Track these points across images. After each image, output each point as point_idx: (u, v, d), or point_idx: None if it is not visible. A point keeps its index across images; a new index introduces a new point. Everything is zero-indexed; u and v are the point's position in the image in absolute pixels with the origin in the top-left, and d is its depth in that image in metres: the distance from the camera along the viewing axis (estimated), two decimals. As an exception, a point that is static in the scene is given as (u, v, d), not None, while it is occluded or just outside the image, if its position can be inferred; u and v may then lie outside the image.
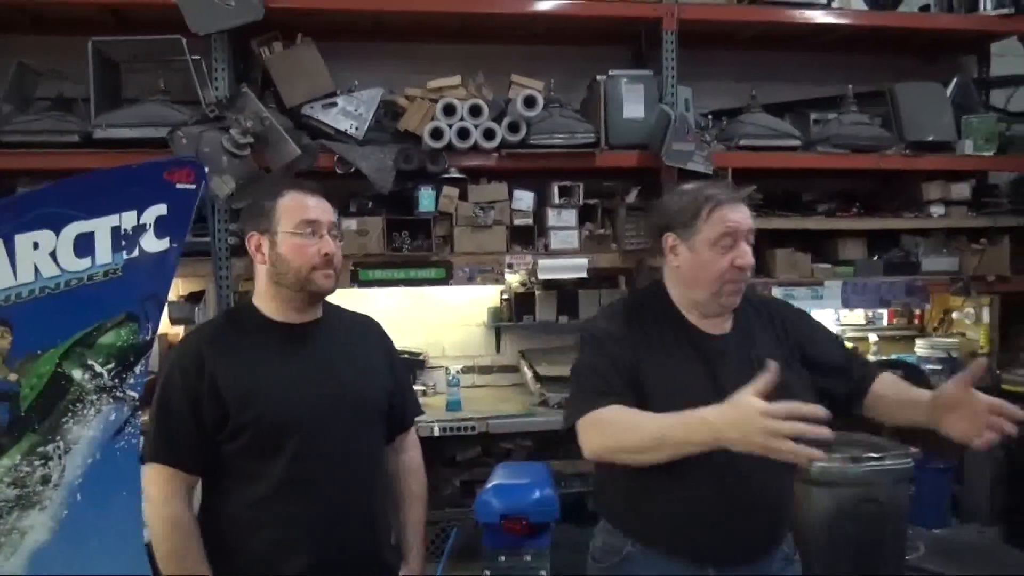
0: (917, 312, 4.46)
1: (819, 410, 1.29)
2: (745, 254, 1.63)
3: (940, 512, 3.86)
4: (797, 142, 3.94)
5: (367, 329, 1.94)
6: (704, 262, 1.63)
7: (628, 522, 1.69)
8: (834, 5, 4.00)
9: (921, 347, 4.25)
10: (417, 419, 2.01)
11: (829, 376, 1.76)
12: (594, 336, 1.69)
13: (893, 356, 4.23)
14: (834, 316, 4.37)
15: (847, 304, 3.94)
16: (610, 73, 3.77)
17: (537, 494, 2.74)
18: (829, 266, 3.98)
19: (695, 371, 1.65)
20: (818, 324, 1.88)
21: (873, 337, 4.45)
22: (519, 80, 3.67)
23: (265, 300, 1.75)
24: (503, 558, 2.68)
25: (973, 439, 1.51)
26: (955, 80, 4.30)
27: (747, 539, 1.66)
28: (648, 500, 1.63)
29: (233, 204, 3.31)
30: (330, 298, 1.84)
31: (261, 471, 1.65)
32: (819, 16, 3.95)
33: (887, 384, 1.77)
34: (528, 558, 2.68)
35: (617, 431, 1.51)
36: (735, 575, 1.66)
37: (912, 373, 3.72)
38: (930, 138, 4.02)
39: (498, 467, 3.04)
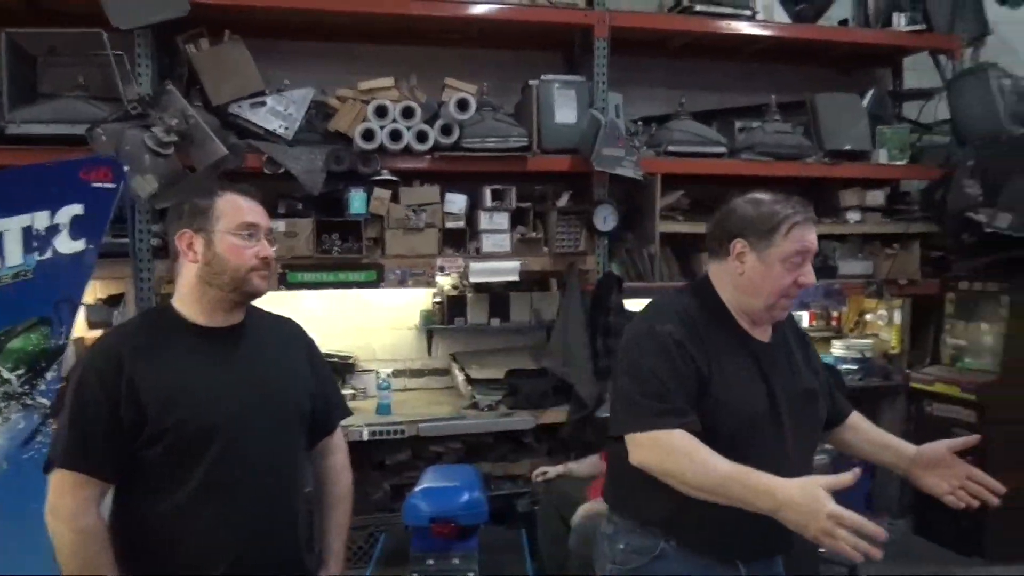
0: (835, 314, 4.64)
1: (881, 532, 1.37)
2: (810, 274, 1.68)
3: (854, 506, 4.00)
4: (723, 149, 4.06)
5: (289, 331, 1.91)
6: (772, 275, 1.65)
7: (666, 522, 1.68)
8: (758, 17, 4.13)
9: (838, 348, 4.42)
10: (346, 423, 1.98)
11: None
12: (656, 339, 1.64)
13: (812, 357, 4.37)
14: (758, 318, 4.50)
15: (769, 306, 4.07)
16: (543, 78, 3.81)
17: (466, 497, 2.74)
18: (752, 269, 4.10)
19: (753, 376, 1.68)
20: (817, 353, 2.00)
21: (794, 339, 4.60)
22: (452, 83, 3.68)
23: (188, 301, 1.71)
24: (431, 561, 2.68)
25: (946, 496, 1.68)
26: (871, 92, 4.50)
27: (778, 534, 1.68)
28: (691, 500, 1.59)
29: (156, 204, 3.22)
30: (255, 301, 1.82)
31: (181, 477, 1.61)
32: (745, 27, 4.08)
33: (859, 421, 1.90)
34: (456, 560, 2.68)
35: (682, 462, 1.53)
36: (760, 571, 1.73)
37: (829, 374, 3.87)
38: (847, 147, 4.20)
39: (427, 470, 3.04)
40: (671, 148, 3.98)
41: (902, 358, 4.40)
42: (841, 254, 4.23)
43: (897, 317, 4.41)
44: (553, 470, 3.39)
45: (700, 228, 4.02)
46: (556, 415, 3.66)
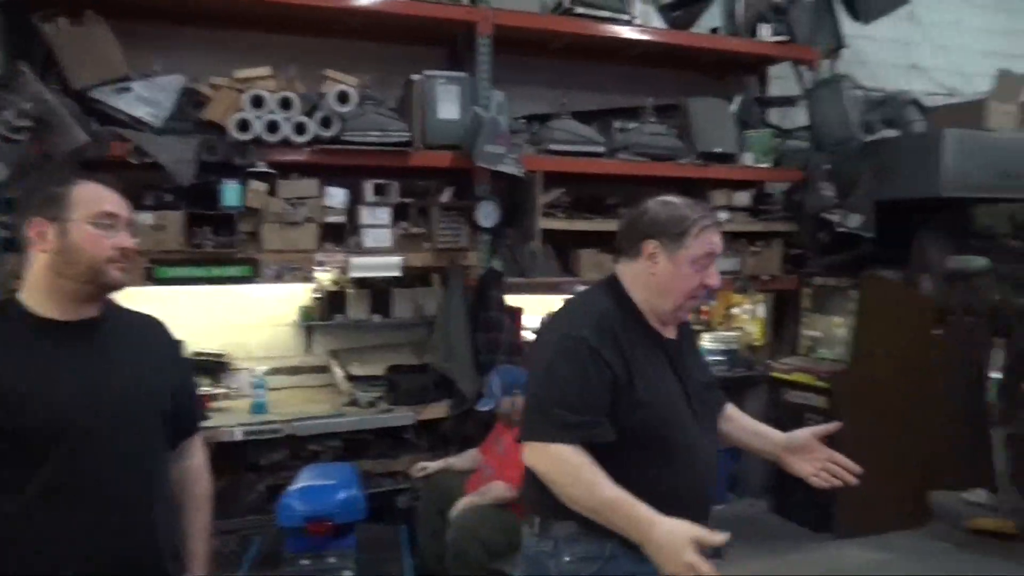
0: (705, 309, 4.88)
1: None
2: (715, 275, 1.75)
3: (720, 489, 4.27)
4: (602, 149, 4.19)
5: (151, 329, 1.84)
6: (682, 276, 1.71)
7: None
8: (636, 22, 4.27)
9: (707, 341, 4.66)
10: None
11: None
12: (571, 346, 1.65)
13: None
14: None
15: (645, 302, 4.22)
16: (426, 73, 3.80)
17: (343, 495, 2.73)
18: (629, 266, 4.26)
19: (668, 375, 1.74)
20: None
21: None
22: (333, 75, 3.62)
23: (37, 294, 1.61)
24: (306, 561, 2.65)
25: (811, 477, 1.83)
26: (739, 98, 4.74)
27: (703, 519, 1.77)
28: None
29: (7, 194, 3.01)
30: (121, 297, 1.74)
31: (23, 478, 1.52)
32: (623, 31, 4.21)
33: (733, 412, 2.01)
34: (332, 560, 2.67)
35: (571, 477, 1.58)
36: None
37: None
38: (717, 150, 4.41)
39: (304, 469, 3.00)
40: (552, 147, 4.06)
41: (765, 349, 4.69)
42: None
43: (760, 311, 4.69)
44: (433, 465, 3.42)
45: (580, 225, 4.18)
46: (437, 410, 3.68)
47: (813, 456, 1.84)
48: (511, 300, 3.84)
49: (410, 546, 3.18)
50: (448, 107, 3.80)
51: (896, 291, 4.36)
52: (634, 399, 1.65)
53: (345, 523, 2.71)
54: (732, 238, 4.56)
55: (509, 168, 3.75)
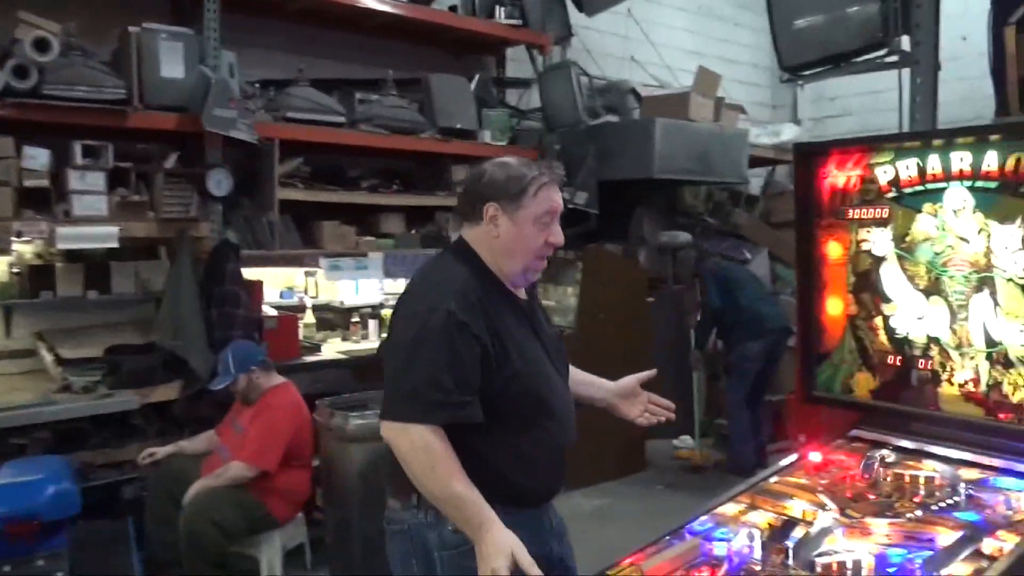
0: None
1: None
2: (559, 233, 1.72)
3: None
4: (342, 119, 4.13)
5: None
6: (525, 236, 1.68)
7: (482, 487, 1.59)
8: (376, -8, 4.25)
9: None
10: None
11: None
12: (437, 322, 1.58)
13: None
14: (378, 285, 4.65)
15: (389, 274, 4.24)
16: (145, 26, 3.48)
17: (51, 490, 2.47)
18: (372, 239, 4.28)
19: (531, 337, 1.73)
20: None
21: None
22: (28, 18, 3.22)
23: None
24: (7, 568, 2.35)
25: (637, 419, 1.97)
26: (477, 77, 4.92)
27: (563, 468, 1.80)
28: (491, 462, 1.62)
29: None
30: None
31: None
32: (362, -1, 4.17)
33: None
34: (41, 562, 2.39)
35: (425, 463, 1.56)
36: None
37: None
38: (458, 126, 4.55)
39: (3, 466, 2.65)
40: (290, 114, 3.94)
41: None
42: (454, 225, 4.57)
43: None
44: (162, 450, 3.19)
45: (320, 196, 4.09)
46: (167, 392, 3.42)
47: (638, 400, 1.99)
48: (248, 273, 3.67)
49: (138, 538, 2.95)
50: (172, 65, 3.53)
51: (615, 262, 4.83)
52: (510, 369, 1.64)
53: (55, 521, 2.44)
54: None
55: (241, 134, 3.58)
